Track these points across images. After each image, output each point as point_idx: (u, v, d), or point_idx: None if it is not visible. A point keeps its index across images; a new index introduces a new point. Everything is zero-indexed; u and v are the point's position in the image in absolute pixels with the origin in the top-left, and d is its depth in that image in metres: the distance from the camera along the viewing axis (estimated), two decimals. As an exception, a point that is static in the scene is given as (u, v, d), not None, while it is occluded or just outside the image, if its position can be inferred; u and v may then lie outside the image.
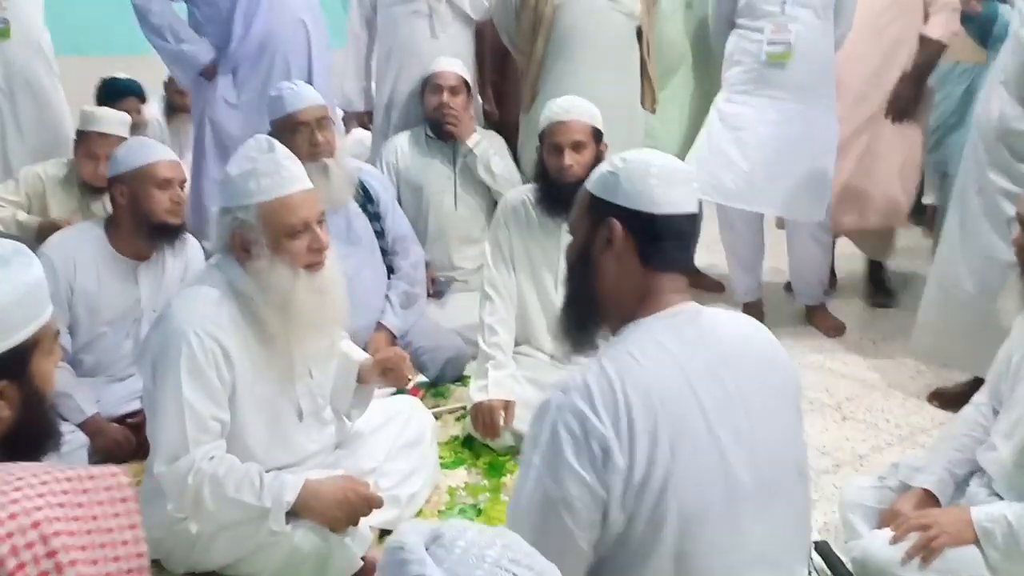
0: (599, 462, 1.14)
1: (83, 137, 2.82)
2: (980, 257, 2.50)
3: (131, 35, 3.06)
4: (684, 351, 1.21)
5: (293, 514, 1.67)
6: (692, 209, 1.28)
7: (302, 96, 2.52)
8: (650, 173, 1.27)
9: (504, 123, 3.41)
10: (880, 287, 3.61)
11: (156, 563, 1.83)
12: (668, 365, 1.19)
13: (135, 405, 2.32)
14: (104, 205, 2.84)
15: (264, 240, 1.71)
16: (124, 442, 2.23)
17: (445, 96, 3.01)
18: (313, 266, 1.75)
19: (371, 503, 1.72)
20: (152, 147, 2.38)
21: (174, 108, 4.26)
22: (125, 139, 2.84)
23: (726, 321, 1.30)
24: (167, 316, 1.73)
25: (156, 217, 2.26)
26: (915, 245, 4.14)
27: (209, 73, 2.97)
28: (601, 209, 1.28)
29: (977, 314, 2.45)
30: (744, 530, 1.19)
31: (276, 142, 1.78)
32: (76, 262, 2.27)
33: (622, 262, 1.26)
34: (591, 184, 1.31)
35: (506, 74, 3.48)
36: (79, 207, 2.85)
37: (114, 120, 2.85)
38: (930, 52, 3.17)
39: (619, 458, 1.13)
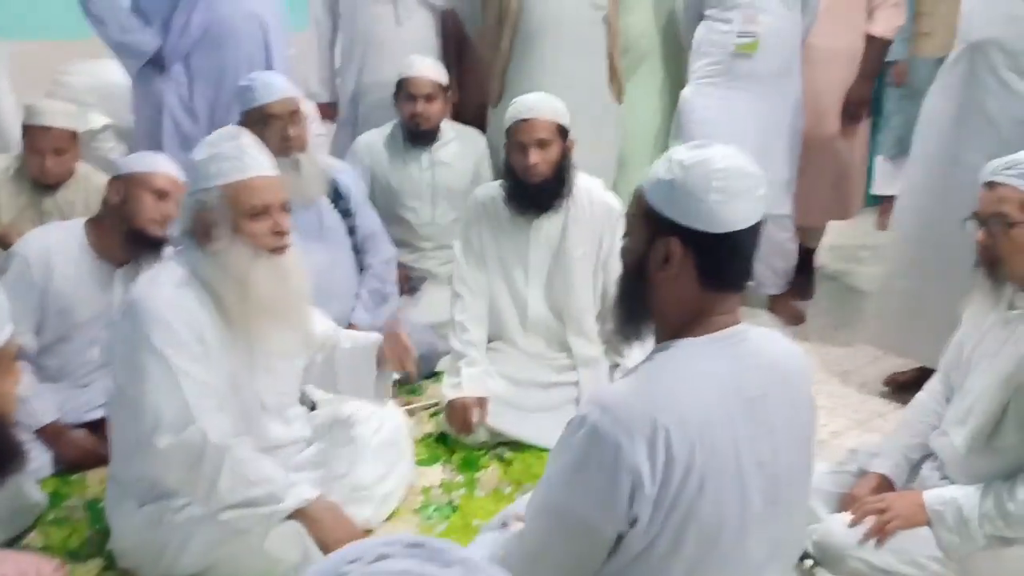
0: (626, 494, 1.13)
1: (27, 132, 2.70)
2: (934, 249, 2.59)
3: (78, 17, 2.97)
4: (727, 379, 1.19)
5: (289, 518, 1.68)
6: (756, 220, 1.21)
7: (274, 88, 2.48)
8: (711, 187, 1.17)
9: (462, 113, 3.38)
10: (807, 279, 3.64)
11: (128, 573, 1.84)
12: (710, 393, 1.17)
13: (100, 413, 2.28)
14: (57, 203, 2.75)
15: (225, 222, 1.72)
16: (89, 449, 2.20)
17: (420, 106, 2.97)
18: (276, 250, 1.75)
19: None
20: (160, 160, 2.36)
21: None
22: (73, 132, 2.75)
23: (770, 349, 1.27)
24: (132, 302, 1.71)
25: (139, 222, 2.24)
26: (849, 243, 4.26)
27: (159, 61, 2.90)
28: (658, 222, 1.21)
29: (930, 305, 2.55)
30: (748, 547, 1.22)
31: (243, 130, 1.79)
32: (52, 261, 2.24)
33: (679, 281, 1.21)
34: (647, 189, 1.23)
35: (465, 63, 3.44)
36: (30, 204, 2.74)
37: (58, 112, 2.73)
38: (876, 50, 3.26)
39: (649, 488, 1.12)
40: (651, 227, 1.22)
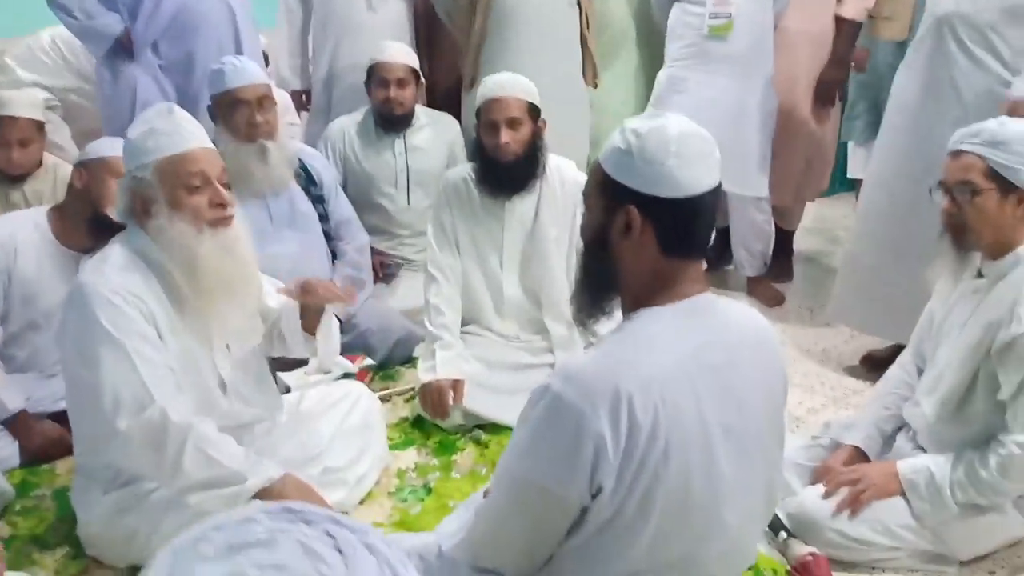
0: (589, 462, 1.12)
1: None
2: (902, 225, 2.59)
3: (39, 13, 2.95)
4: (691, 345, 1.18)
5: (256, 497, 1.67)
6: (714, 183, 1.21)
7: (244, 73, 2.46)
8: (668, 152, 1.17)
9: (433, 97, 3.37)
10: (785, 261, 3.63)
11: (96, 560, 1.82)
12: (673, 360, 1.16)
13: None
14: (25, 194, 2.71)
15: (163, 197, 1.70)
16: (57, 438, 2.17)
17: (392, 91, 2.95)
18: (217, 223, 1.73)
19: None
20: (123, 144, 2.35)
21: None
22: (40, 122, 2.73)
23: (737, 317, 1.27)
24: (76, 288, 1.69)
25: (102, 205, 2.23)
26: (827, 226, 4.27)
27: (126, 45, 2.85)
28: (617, 192, 1.20)
29: (894, 282, 2.56)
30: (718, 518, 1.22)
31: (176, 107, 1.77)
32: (17, 248, 2.23)
33: (641, 249, 1.21)
34: (604, 161, 1.23)
35: (435, 46, 3.44)
36: None
37: (23, 102, 2.71)
38: (847, 33, 3.26)
39: (613, 456, 1.12)
40: (610, 198, 1.22)
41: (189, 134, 1.74)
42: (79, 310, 1.66)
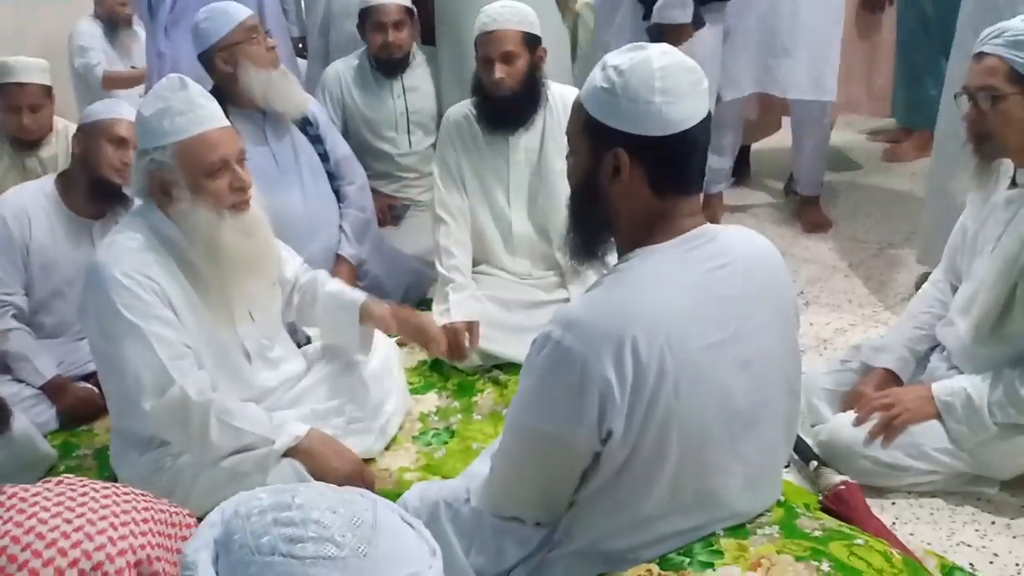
0: (596, 407, 1.11)
1: (1, 90, 2.70)
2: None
3: None
4: (694, 279, 1.15)
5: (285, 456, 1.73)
6: (703, 115, 1.15)
7: (239, 7, 2.41)
8: (653, 88, 1.11)
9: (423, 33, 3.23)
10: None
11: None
12: (678, 297, 1.13)
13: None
14: (40, 160, 2.75)
15: (184, 181, 1.68)
16: (89, 400, 2.23)
17: (390, 34, 2.87)
18: (237, 206, 1.72)
19: (368, 482, 1.78)
20: (121, 107, 2.33)
21: (114, 23, 4.11)
22: (48, 87, 2.74)
23: (740, 244, 1.22)
24: (93, 269, 1.70)
25: (100, 170, 2.23)
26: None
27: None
28: (602, 134, 1.15)
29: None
30: (738, 451, 1.20)
31: (189, 80, 1.72)
32: (30, 219, 2.26)
33: (632, 191, 1.16)
34: (586, 101, 1.17)
35: None
36: (13, 165, 2.75)
37: (31, 68, 2.73)
38: None
39: (620, 399, 1.10)
40: (595, 140, 1.16)
41: (206, 114, 1.70)
42: (96, 292, 1.68)
